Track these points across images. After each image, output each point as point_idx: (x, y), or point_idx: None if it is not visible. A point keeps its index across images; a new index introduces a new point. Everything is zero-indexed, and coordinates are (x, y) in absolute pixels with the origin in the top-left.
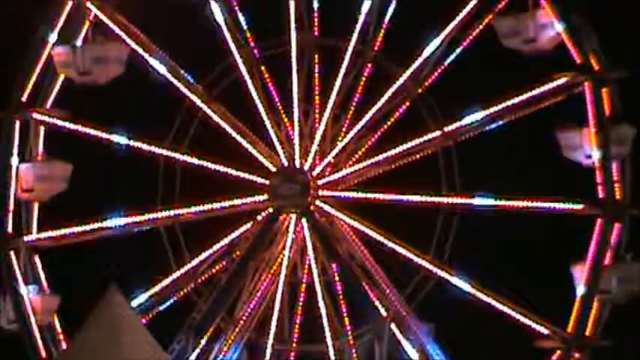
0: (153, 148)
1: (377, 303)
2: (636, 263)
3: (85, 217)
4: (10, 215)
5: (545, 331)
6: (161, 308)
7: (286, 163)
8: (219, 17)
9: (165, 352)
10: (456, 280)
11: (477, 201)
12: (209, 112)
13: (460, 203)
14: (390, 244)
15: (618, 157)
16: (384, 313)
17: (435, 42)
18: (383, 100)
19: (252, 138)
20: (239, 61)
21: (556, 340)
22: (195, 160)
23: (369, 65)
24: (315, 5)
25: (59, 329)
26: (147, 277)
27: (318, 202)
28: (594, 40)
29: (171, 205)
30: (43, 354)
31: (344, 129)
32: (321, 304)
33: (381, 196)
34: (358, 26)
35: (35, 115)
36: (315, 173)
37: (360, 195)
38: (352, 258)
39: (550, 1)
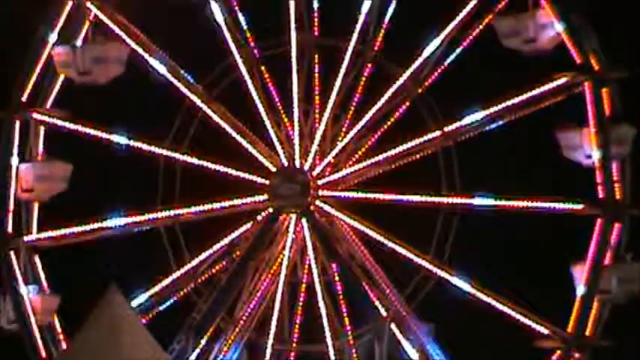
0: (153, 148)
1: (377, 303)
2: (636, 263)
3: (85, 217)
4: (10, 215)
5: (545, 331)
6: (161, 308)
7: (286, 163)
8: (219, 17)
9: (166, 352)
10: (456, 280)
11: (477, 201)
12: (209, 112)
13: (460, 203)
14: (390, 244)
15: (618, 157)
16: (384, 313)
17: (435, 42)
18: (383, 100)
19: (252, 138)
20: (239, 61)
21: (556, 340)
22: (195, 160)
23: (369, 65)
24: (315, 5)
25: (59, 329)
26: (147, 277)
27: (318, 202)
28: (594, 40)
29: (171, 205)
30: (43, 354)
31: (344, 129)
32: (321, 304)
33: (381, 196)
34: (358, 26)
35: (35, 115)
36: (315, 173)
37: (360, 195)
38: (352, 258)
39: (550, 1)
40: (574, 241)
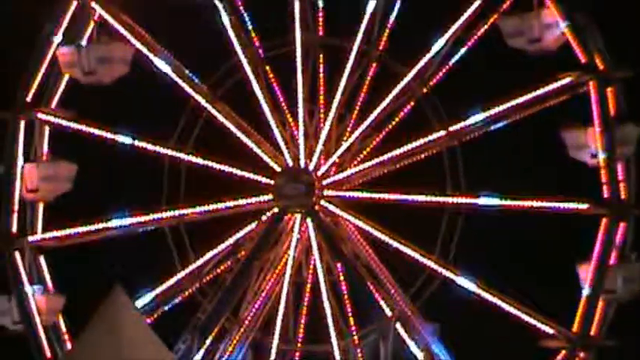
0: (158, 148)
1: (382, 303)
2: None
3: (89, 217)
4: (15, 215)
5: (551, 331)
6: (166, 308)
7: (291, 163)
8: (224, 17)
9: (171, 352)
10: (461, 280)
11: (482, 201)
12: (214, 112)
13: (465, 203)
14: (395, 244)
15: (623, 157)
16: (389, 313)
17: (440, 42)
18: (388, 99)
19: (257, 138)
20: (244, 61)
21: (561, 339)
22: (200, 160)
23: (374, 65)
24: (320, 5)
25: (64, 329)
26: (151, 277)
27: (322, 202)
28: (599, 39)
29: (175, 205)
30: (48, 354)
31: (349, 129)
32: (326, 304)
33: (385, 195)
34: (363, 26)
35: (40, 115)
36: (319, 173)
37: (365, 195)
38: (357, 258)
39: (555, 0)
40: (579, 240)
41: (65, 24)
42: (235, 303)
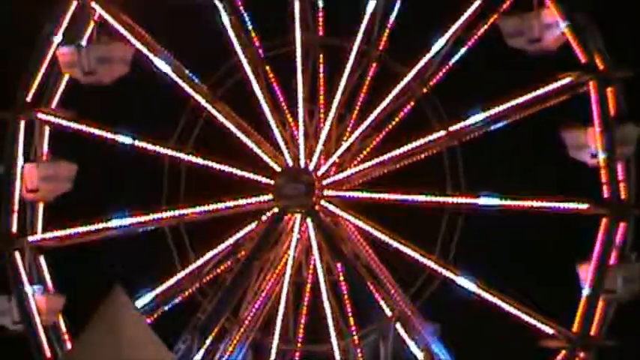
0: (158, 148)
1: (382, 303)
2: None
3: (89, 217)
4: (15, 215)
5: (551, 331)
6: (166, 308)
7: (291, 163)
8: (224, 17)
9: (171, 352)
10: (462, 280)
11: (482, 201)
12: (214, 111)
13: (465, 203)
14: (395, 244)
15: (623, 157)
16: (389, 312)
17: (440, 42)
18: (388, 99)
19: (257, 138)
20: (244, 61)
21: (561, 339)
22: (200, 160)
23: (374, 65)
24: (320, 5)
25: (64, 329)
26: (151, 277)
27: (322, 202)
28: (599, 39)
29: (175, 205)
30: (48, 354)
31: (349, 129)
32: (326, 304)
33: (385, 195)
34: (363, 26)
35: (40, 115)
36: (319, 173)
37: (365, 195)
38: (357, 258)
39: (555, 0)
40: (579, 240)
41: (65, 24)
42: (235, 303)
